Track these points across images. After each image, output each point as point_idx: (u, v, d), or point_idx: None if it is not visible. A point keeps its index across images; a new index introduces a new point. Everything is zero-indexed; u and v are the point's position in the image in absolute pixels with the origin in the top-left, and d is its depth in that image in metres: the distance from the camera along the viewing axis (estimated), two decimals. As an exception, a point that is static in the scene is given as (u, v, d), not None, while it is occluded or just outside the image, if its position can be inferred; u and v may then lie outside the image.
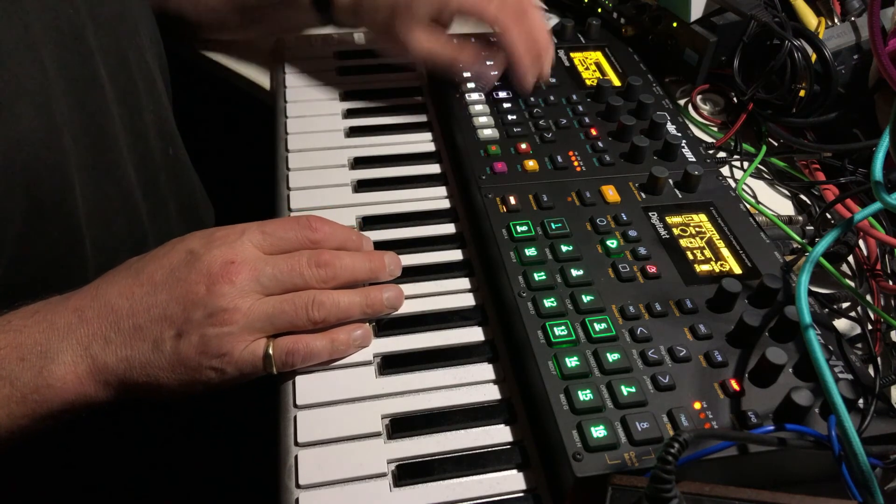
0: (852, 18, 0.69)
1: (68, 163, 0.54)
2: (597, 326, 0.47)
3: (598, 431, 0.42)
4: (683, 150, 0.63)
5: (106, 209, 0.60)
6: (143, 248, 0.51)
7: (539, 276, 0.50)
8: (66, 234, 0.56)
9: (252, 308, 0.47)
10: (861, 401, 0.44)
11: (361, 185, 0.63)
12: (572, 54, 0.75)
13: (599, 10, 0.81)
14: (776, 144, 0.71)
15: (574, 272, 0.51)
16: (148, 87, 0.67)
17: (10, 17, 0.50)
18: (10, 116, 0.49)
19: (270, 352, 0.48)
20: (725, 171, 0.69)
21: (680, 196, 0.59)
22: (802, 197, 0.66)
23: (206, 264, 0.47)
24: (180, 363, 0.46)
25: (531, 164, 0.61)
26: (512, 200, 0.56)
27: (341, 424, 0.46)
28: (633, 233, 0.54)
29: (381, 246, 0.57)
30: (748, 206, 0.58)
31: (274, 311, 0.48)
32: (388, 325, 0.52)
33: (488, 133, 0.64)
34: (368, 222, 0.60)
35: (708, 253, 0.54)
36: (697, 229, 0.56)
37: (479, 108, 0.67)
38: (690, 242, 0.55)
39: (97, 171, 0.59)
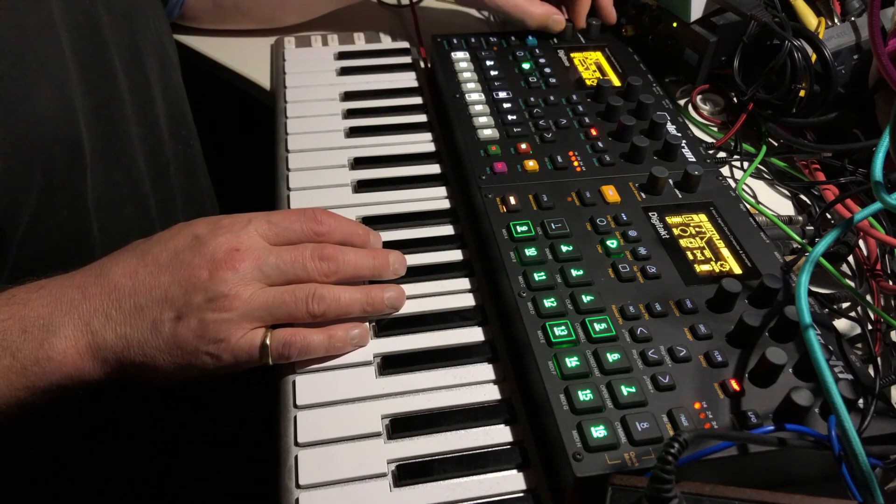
0: (852, 18, 0.69)
1: (82, 144, 0.55)
2: (597, 326, 0.47)
3: (598, 431, 0.42)
4: (683, 150, 0.63)
5: (115, 196, 0.61)
6: None
7: (539, 276, 0.50)
8: (74, 215, 0.56)
9: (253, 296, 0.47)
10: (861, 401, 0.44)
11: (361, 186, 0.63)
12: (572, 54, 0.75)
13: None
14: (776, 144, 0.71)
15: (574, 272, 0.51)
16: (160, 80, 0.67)
17: (37, 2, 0.52)
18: (33, 95, 0.50)
19: (267, 342, 0.48)
20: (725, 171, 0.69)
21: (680, 196, 0.59)
22: (802, 197, 0.66)
23: (211, 250, 0.48)
24: (177, 346, 0.46)
25: (531, 164, 0.61)
26: (512, 200, 0.56)
27: (341, 424, 0.46)
28: (633, 233, 0.54)
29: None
30: (748, 206, 0.58)
31: (274, 301, 0.48)
32: (388, 325, 0.52)
33: (488, 133, 0.64)
34: (368, 223, 0.60)
35: (708, 253, 0.54)
36: (697, 229, 0.56)
37: (479, 108, 0.67)
38: (690, 242, 0.55)
39: (107, 157, 0.59)
